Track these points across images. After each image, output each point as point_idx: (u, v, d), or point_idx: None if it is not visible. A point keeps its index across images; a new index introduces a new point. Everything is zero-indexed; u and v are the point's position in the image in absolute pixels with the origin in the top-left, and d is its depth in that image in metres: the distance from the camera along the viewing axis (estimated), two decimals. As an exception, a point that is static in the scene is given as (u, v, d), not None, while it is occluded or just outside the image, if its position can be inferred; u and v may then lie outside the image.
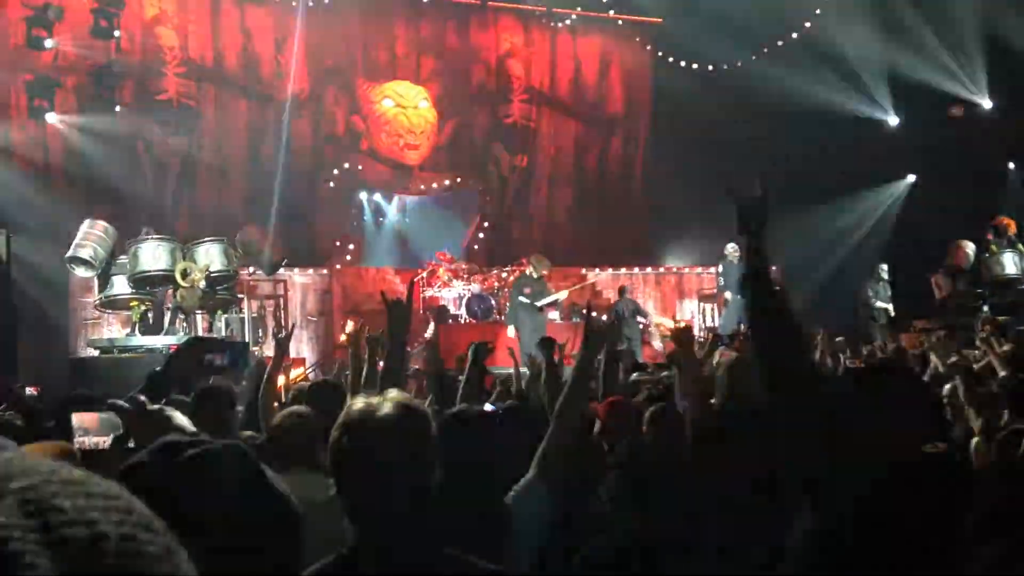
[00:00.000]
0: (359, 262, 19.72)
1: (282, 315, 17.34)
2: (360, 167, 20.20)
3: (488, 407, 5.16)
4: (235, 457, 1.57)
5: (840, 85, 19.58)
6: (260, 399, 5.26)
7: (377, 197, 20.47)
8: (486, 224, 20.92)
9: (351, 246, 19.96)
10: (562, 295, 15.19)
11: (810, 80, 19.18)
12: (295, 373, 10.86)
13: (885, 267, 17.25)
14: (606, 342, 6.28)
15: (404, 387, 3.96)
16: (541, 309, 14.86)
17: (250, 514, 1.51)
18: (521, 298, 14.71)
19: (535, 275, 15.10)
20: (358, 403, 2.21)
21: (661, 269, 20.79)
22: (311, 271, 18.44)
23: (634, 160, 22.36)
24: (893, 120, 20.35)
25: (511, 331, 14.87)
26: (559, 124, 21.88)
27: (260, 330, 15.28)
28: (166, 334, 12.06)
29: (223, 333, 12.08)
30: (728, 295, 17.16)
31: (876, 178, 20.05)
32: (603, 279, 20.21)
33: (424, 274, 17.69)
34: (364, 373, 5.05)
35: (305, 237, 19.01)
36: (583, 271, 19.41)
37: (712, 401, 4.78)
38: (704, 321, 19.63)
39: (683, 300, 20.55)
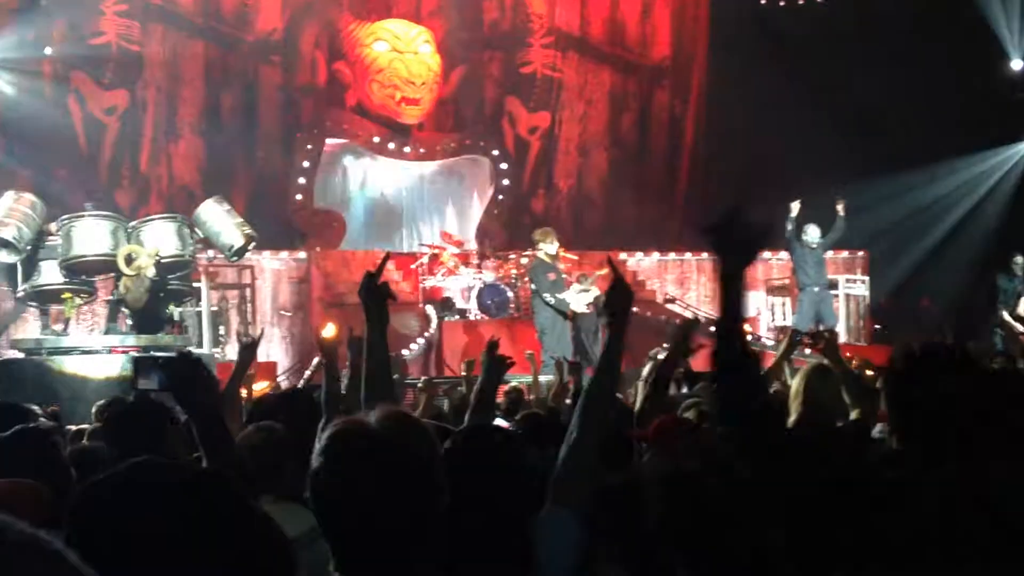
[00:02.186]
0: (343, 244, 19.76)
1: (248, 309, 17.46)
2: (345, 126, 20.27)
3: (500, 423, 5.30)
4: (214, 485, 1.66)
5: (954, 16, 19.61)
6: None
7: (366, 163, 20.50)
8: (500, 197, 20.96)
9: (334, 224, 20.02)
10: (591, 290, 14.76)
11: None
12: (261, 385, 10.92)
13: (1021, 259, 17.34)
14: (685, 332, 6.41)
15: (399, 399, 4.07)
16: (573, 315, 14.73)
17: (237, 548, 1.59)
18: (547, 296, 14.64)
19: (551, 252, 14.92)
20: (343, 420, 2.27)
21: None
22: (284, 255, 18.56)
23: (683, 119, 22.30)
24: (1019, 64, 20.59)
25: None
26: (590, 74, 21.86)
27: (221, 327, 15.35)
28: (106, 333, 12.19)
29: (162, 338, 12.00)
30: (805, 284, 16.94)
31: (995, 138, 20.25)
32: (645, 265, 20.32)
33: (424, 259, 17.68)
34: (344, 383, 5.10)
35: (276, 213, 19.10)
36: (621, 256, 19.32)
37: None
38: (773, 318, 19.56)
39: (746, 292, 20.33)
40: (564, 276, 15.28)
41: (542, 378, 10.71)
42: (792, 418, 4.90)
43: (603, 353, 3.65)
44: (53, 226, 12.09)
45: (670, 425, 4.87)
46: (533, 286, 15.17)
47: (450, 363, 15.93)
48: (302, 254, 18.74)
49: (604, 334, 3.72)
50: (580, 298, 14.80)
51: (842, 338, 16.81)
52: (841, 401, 5.26)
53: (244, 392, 6.86)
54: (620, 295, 3.66)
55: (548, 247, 14.90)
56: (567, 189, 21.68)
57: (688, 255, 20.52)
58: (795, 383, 5.26)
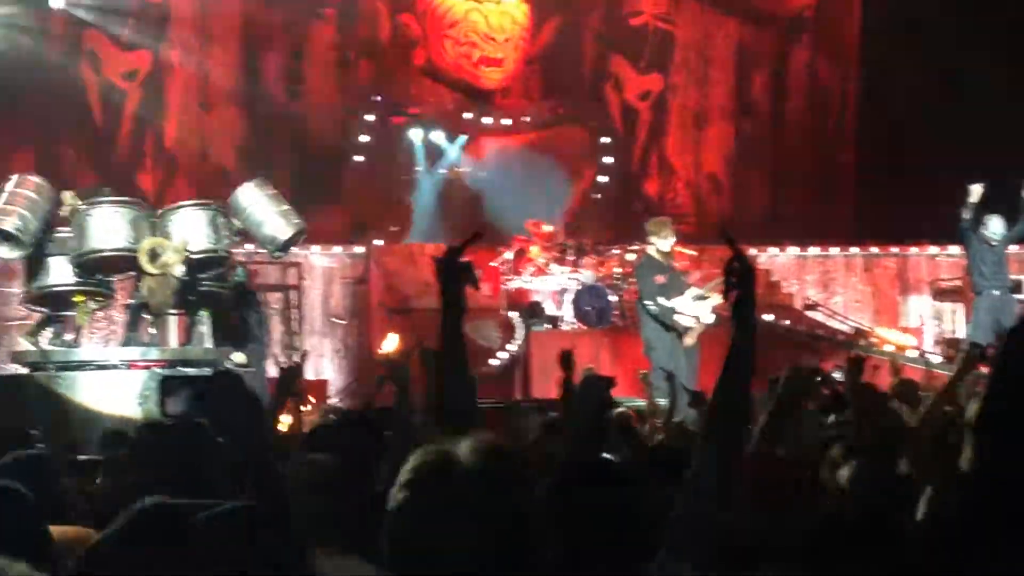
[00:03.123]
0: (409, 236, 19.82)
1: (294, 316, 17.55)
2: (412, 92, 20.27)
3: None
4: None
5: None
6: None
7: (438, 138, 20.49)
8: (603, 179, 20.83)
9: (398, 213, 20.10)
10: (710, 297, 14.24)
11: None
12: (305, 410, 10.95)
13: None
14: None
15: (479, 422, 4.04)
16: (683, 331, 14.26)
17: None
18: (649, 304, 14.28)
19: (664, 248, 14.62)
20: (427, 450, 2.30)
21: (873, 250, 20.61)
22: (338, 250, 18.69)
23: (830, 82, 22.20)
24: None
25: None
26: (711, 25, 21.85)
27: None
28: (126, 344, 12.32)
29: (204, 346, 12.17)
30: (982, 286, 16.33)
31: None
32: (780, 262, 20.20)
33: (508, 255, 17.72)
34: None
35: (329, 200, 19.19)
36: (750, 252, 18.84)
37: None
38: (941, 328, 19.47)
39: (907, 296, 20.42)
40: (682, 278, 15.02)
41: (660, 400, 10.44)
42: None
43: (729, 356, 3.61)
44: (66, 209, 12.15)
45: (774, 470, 4.79)
46: (637, 284, 15.02)
47: (542, 380, 15.59)
48: (359, 249, 18.84)
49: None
50: (695, 307, 14.32)
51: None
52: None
53: (288, 419, 6.88)
54: (740, 274, 3.61)
55: (661, 242, 14.42)
56: (685, 170, 21.64)
57: (834, 251, 20.49)
58: (973, 409, 5.26)
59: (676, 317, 14.12)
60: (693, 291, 14.50)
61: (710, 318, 14.15)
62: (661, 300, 14.23)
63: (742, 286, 3.60)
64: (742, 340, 3.59)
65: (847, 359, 7.09)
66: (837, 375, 11.05)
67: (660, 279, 14.44)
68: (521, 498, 2.26)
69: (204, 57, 19.61)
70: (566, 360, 6.59)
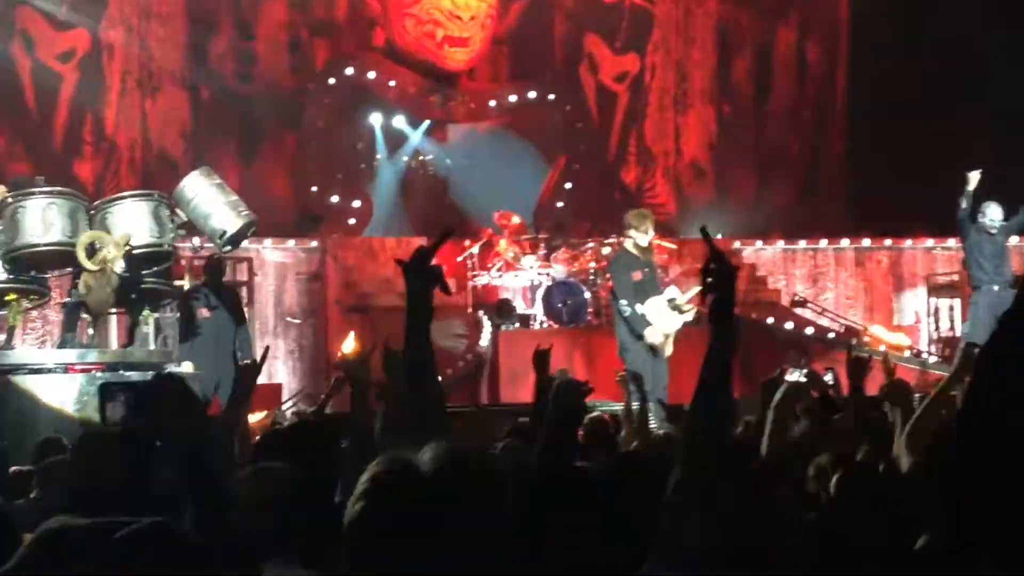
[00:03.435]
0: (368, 230, 19.79)
1: (246, 315, 17.18)
2: (372, 74, 20.23)
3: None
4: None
5: None
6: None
7: (399, 124, 20.46)
8: (577, 167, 20.81)
9: (356, 203, 20.11)
10: (685, 311, 13.93)
11: None
12: (257, 416, 10.91)
13: None
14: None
15: (448, 428, 4.12)
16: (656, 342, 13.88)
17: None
18: (623, 304, 13.90)
19: (642, 243, 14.27)
20: (388, 459, 2.31)
21: (865, 243, 20.56)
22: (291, 243, 18.60)
23: (818, 64, 22.25)
24: None
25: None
26: (691, 3, 21.88)
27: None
28: (62, 346, 12.24)
29: (134, 352, 12.05)
30: (980, 281, 16.30)
31: None
32: (766, 256, 20.26)
33: (475, 249, 17.67)
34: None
35: (282, 188, 19.23)
36: (734, 245, 19.16)
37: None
38: (937, 326, 19.48)
39: (901, 292, 20.45)
40: (659, 274, 14.86)
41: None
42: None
43: (706, 361, 3.47)
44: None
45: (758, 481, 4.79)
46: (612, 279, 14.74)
47: (514, 382, 15.70)
48: (314, 243, 18.77)
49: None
50: (668, 320, 13.90)
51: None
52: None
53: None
54: (718, 277, 3.47)
55: (640, 236, 14.15)
56: (665, 157, 21.63)
57: (824, 243, 20.43)
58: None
59: (647, 331, 13.78)
60: (670, 292, 14.20)
61: (679, 327, 13.92)
62: (637, 306, 13.95)
63: (720, 289, 3.46)
64: (719, 351, 3.45)
65: (849, 360, 7.01)
66: (828, 378, 11.65)
67: (636, 276, 14.20)
68: (487, 508, 2.26)
69: (146, 36, 19.52)
70: (540, 361, 6.58)
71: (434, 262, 3.90)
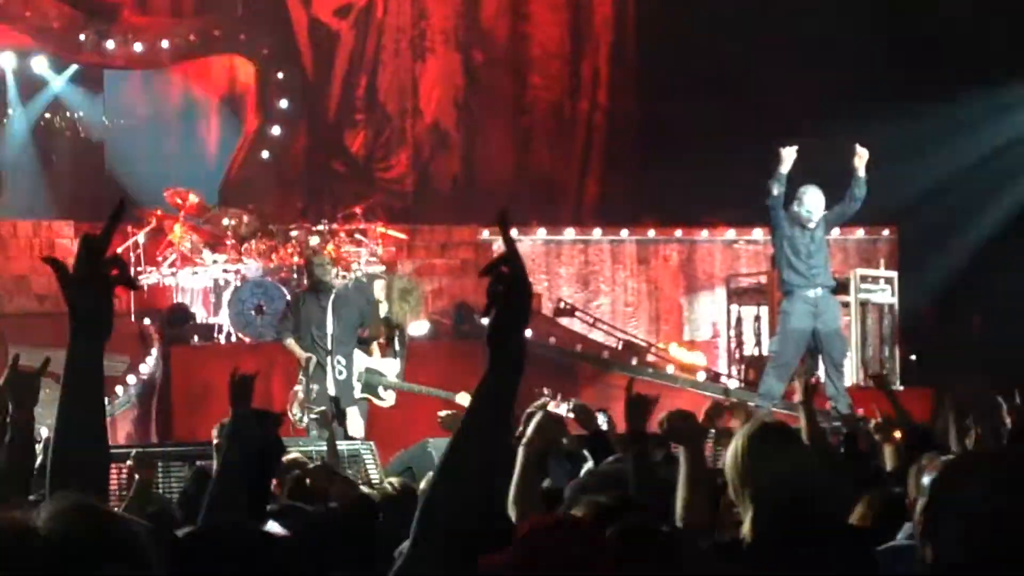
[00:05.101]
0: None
1: None
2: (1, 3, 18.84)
3: (274, 527, 4.97)
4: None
5: None
6: None
7: (40, 67, 19.44)
8: (279, 131, 19.93)
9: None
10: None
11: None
12: None
13: None
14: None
15: (104, 479, 3.87)
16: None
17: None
18: (289, 340, 13.35)
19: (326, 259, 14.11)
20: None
21: (650, 233, 20.16)
22: None
23: (590, 5, 21.58)
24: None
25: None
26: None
27: None
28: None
29: None
30: (793, 284, 15.40)
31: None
32: (524, 249, 18.84)
33: (139, 237, 17.15)
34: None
35: None
36: (482, 234, 18.68)
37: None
38: (739, 341, 19.09)
39: (694, 295, 20.02)
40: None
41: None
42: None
43: (474, 396, 3.11)
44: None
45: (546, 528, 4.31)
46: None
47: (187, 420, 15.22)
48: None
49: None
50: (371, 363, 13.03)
51: (850, 378, 16.30)
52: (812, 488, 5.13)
53: None
54: (509, 284, 3.01)
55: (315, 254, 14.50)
56: (398, 117, 20.78)
57: (598, 233, 19.87)
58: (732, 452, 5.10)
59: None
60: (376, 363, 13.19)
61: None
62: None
63: (507, 303, 2.96)
64: (494, 385, 2.98)
65: (629, 400, 6.54)
66: (601, 419, 10.65)
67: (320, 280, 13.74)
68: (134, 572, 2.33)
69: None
70: (239, 388, 6.01)
71: (114, 254, 3.52)
